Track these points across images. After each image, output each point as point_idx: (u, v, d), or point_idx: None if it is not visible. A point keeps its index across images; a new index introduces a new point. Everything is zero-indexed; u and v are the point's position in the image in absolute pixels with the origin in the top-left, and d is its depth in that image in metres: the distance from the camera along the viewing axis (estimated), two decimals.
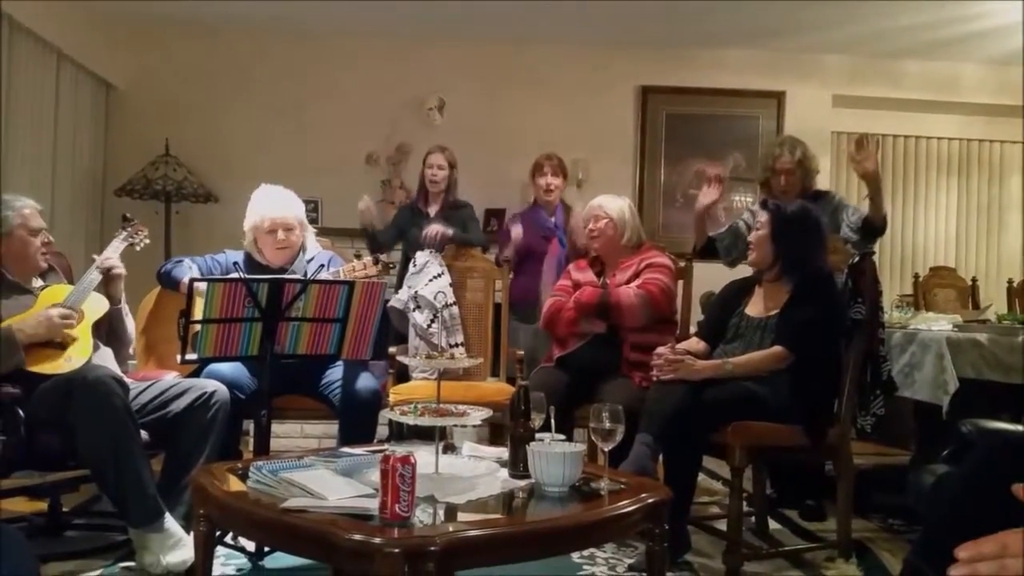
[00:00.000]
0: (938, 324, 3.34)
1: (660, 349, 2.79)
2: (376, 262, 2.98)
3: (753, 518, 3.14)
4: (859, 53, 5.49)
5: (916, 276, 5.12)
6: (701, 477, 3.16)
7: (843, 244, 3.26)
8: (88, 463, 2.51)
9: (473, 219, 4.26)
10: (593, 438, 2.02)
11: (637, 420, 2.56)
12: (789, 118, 5.51)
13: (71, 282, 2.94)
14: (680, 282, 3.33)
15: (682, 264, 3.36)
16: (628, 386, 2.93)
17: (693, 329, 3.29)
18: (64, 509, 3.04)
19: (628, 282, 3.14)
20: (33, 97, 4.19)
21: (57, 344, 2.64)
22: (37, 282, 2.81)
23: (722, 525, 2.81)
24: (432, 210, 4.16)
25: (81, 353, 2.67)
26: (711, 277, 3.68)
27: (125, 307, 2.97)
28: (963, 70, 5.62)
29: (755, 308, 2.91)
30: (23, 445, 2.45)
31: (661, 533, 1.91)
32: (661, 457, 2.64)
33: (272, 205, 3.10)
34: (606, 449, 2.01)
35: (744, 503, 2.87)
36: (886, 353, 2.96)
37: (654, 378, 2.74)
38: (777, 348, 2.71)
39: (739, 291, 3.02)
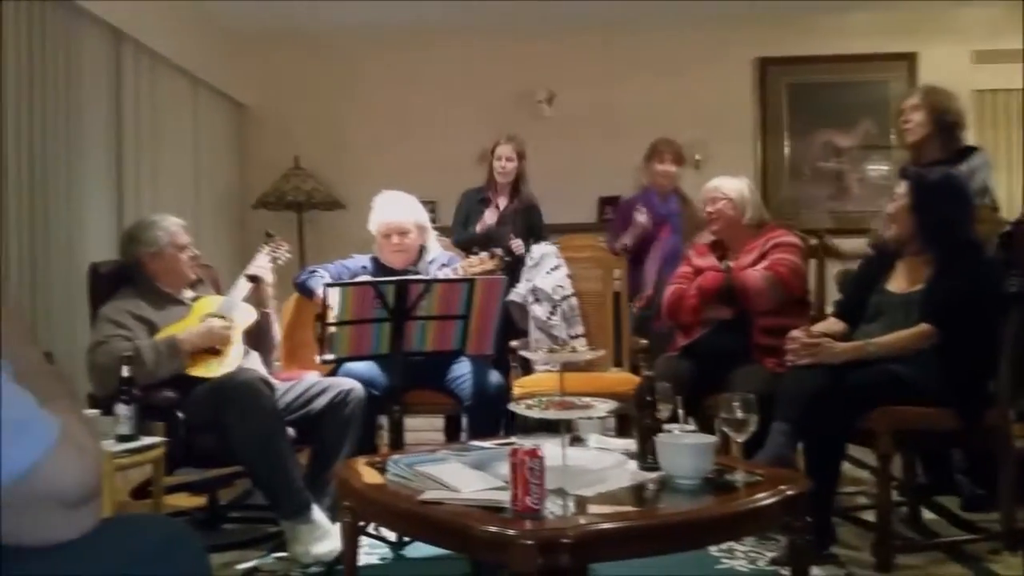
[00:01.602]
0: None
1: (795, 332, 2.68)
2: (492, 256, 3.02)
3: (905, 508, 2.98)
4: (1000, 2, 5.06)
5: None
6: (845, 466, 3.02)
7: (992, 212, 3.02)
8: (241, 460, 2.68)
9: (543, 226, 4.22)
10: (724, 429, 1.97)
11: (770, 408, 2.48)
12: (923, 80, 5.15)
13: (219, 293, 3.15)
14: (813, 260, 3.18)
15: (814, 241, 3.22)
16: (760, 373, 2.82)
17: (829, 309, 3.15)
18: (221, 503, 3.26)
19: (754, 264, 3.02)
20: (175, 121, 4.50)
21: (212, 350, 2.84)
22: (188, 293, 3.02)
23: (870, 516, 2.68)
24: (501, 202, 4.17)
25: (232, 359, 2.86)
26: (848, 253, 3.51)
27: (274, 315, 3.16)
28: None
29: (897, 284, 2.75)
30: (183, 445, 2.66)
31: (803, 526, 1.83)
32: (800, 446, 2.55)
33: (387, 210, 3.23)
34: (739, 440, 1.95)
35: (895, 492, 2.72)
36: None
37: (789, 363, 2.64)
38: (923, 326, 2.55)
39: (878, 266, 2.86)
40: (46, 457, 0.78)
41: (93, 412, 2.36)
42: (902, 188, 2.72)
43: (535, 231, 4.12)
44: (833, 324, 2.87)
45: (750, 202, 3.13)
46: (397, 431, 2.75)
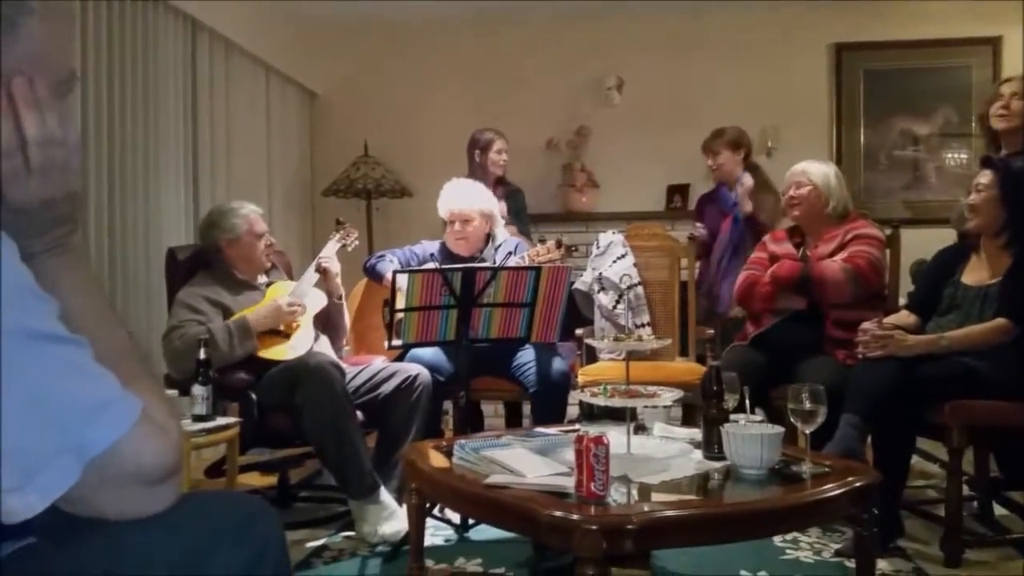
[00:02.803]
0: None
1: (866, 324, 2.62)
2: (559, 245, 3.03)
3: (975, 503, 2.90)
4: None
5: None
6: (915, 459, 2.95)
7: None
8: (312, 441, 2.76)
9: (525, 207, 4.35)
10: (792, 420, 1.95)
11: (840, 400, 2.44)
12: (1008, 65, 4.94)
13: (292, 278, 3.25)
14: (887, 251, 3.11)
15: (888, 232, 3.14)
16: (831, 364, 2.76)
17: (902, 301, 3.07)
18: (291, 483, 3.36)
19: (832, 255, 2.94)
20: (248, 110, 4.62)
21: (283, 334, 2.93)
22: (262, 279, 3.12)
23: (939, 510, 2.62)
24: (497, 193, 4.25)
25: (304, 342, 2.94)
26: (921, 244, 3.40)
27: (344, 301, 3.24)
28: None
29: (973, 276, 2.67)
30: (256, 426, 2.75)
31: (870, 518, 1.81)
32: (870, 439, 2.50)
33: (452, 198, 3.28)
34: (807, 431, 1.93)
35: (965, 487, 2.65)
36: None
37: (860, 355, 2.59)
38: (1000, 320, 2.47)
39: (954, 258, 2.78)
40: (126, 437, 0.78)
41: (171, 393, 2.45)
42: (986, 178, 2.62)
43: (520, 214, 4.24)
44: (905, 316, 2.80)
45: (835, 191, 3.03)
46: (463, 416, 2.79)
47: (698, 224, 4.13)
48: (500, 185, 4.22)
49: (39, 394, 0.75)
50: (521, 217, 4.26)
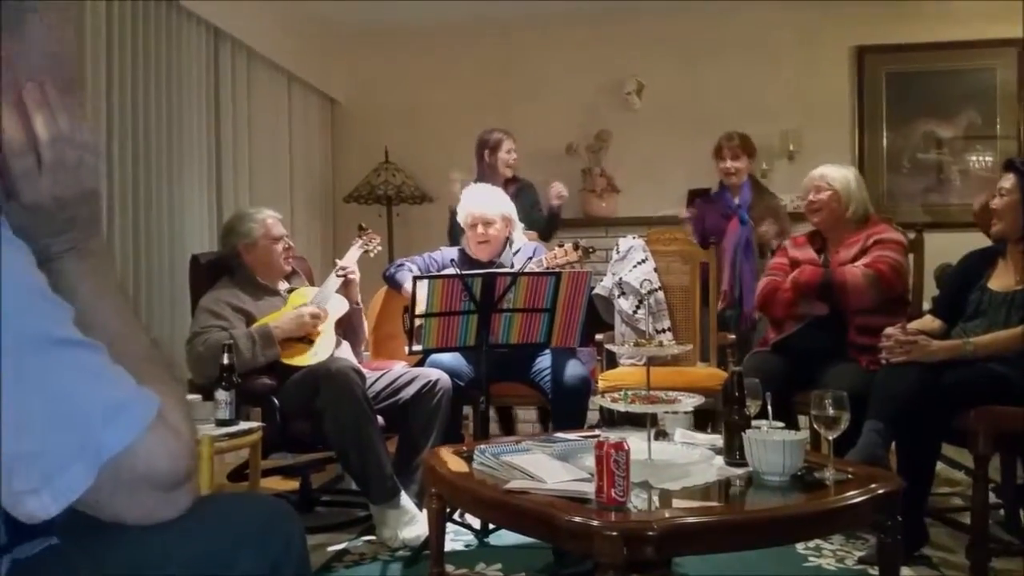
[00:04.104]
0: None
1: (889, 330, 2.59)
2: (576, 247, 3.03)
3: (1001, 511, 2.86)
4: None
5: None
6: (940, 466, 2.91)
7: None
8: (333, 446, 2.78)
9: (538, 200, 4.32)
10: (815, 426, 1.93)
11: (863, 407, 2.41)
12: None
13: (313, 284, 3.27)
14: (911, 255, 3.08)
15: (911, 236, 3.11)
16: (854, 370, 2.74)
17: (926, 306, 3.04)
18: (313, 487, 3.38)
19: (854, 260, 2.91)
20: (270, 117, 4.66)
21: (306, 340, 2.95)
22: (283, 285, 3.14)
23: (965, 518, 2.59)
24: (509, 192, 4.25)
25: (325, 348, 2.96)
26: (945, 248, 3.36)
27: (361, 306, 3.26)
28: None
29: (1000, 282, 2.63)
30: (278, 430, 2.77)
31: (894, 525, 1.79)
32: (893, 445, 2.47)
33: (473, 202, 3.27)
34: (830, 438, 1.91)
35: (991, 494, 2.61)
36: None
37: (884, 361, 2.57)
38: None
39: (980, 263, 2.74)
40: (140, 439, 0.78)
41: (195, 397, 2.48)
42: (1008, 182, 2.59)
43: (534, 207, 4.23)
44: (929, 322, 2.77)
45: (855, 195, 3.01)
46: (483, 422, 2.80)
47: (687, 211, 4.18)
48: (511, 184, 4.22)
49: (55, 398, 0.76)
50: (536, 210, 4.24)
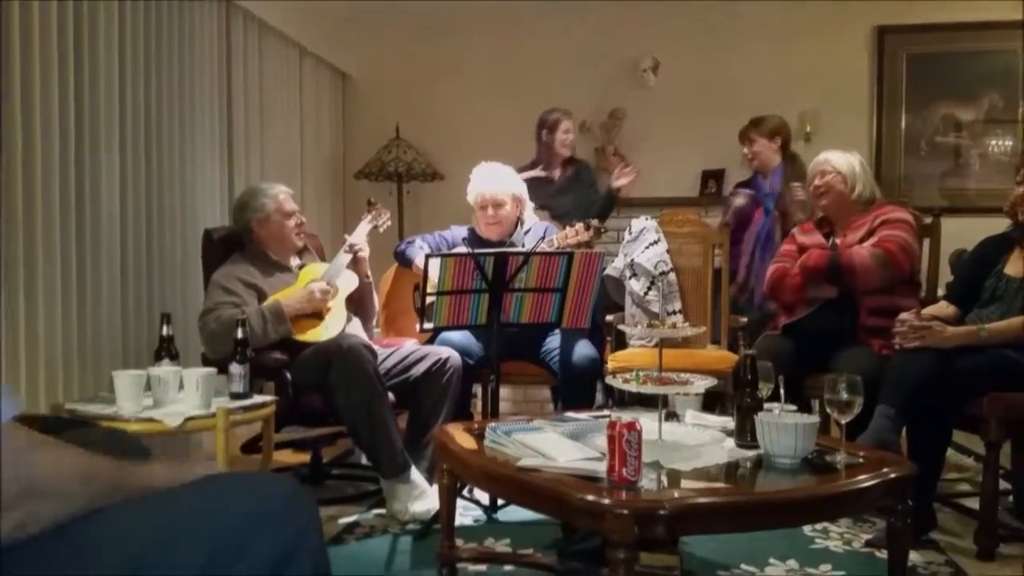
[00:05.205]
0: None
1: (904, 315, 2.59)
2: (588, 228, 3.01)
3: (1010, 497, 2.86)
4: None
5: None
6: (949, 452, 2.91)
7: None
8: (345, 420, 2.80)
9: (595, 182, 4.31)
10: (828, 410, 1.93)
11: (875, 391, 2.41)
12: None
13: (324, 260, 3.27)
14: (927, 239, 3.06)
15: (928, 220, 3.08)
16: (866, 354, 2.73)
17: (941, 291, 3.02)
18: (324, 460, 3.41)
19: (861, 242, 2.91)
20: (282, 91, 4.64)
21: (317, 316, 2.96)
22: (295, 260, 3.15)
23: (973, 503, 2.59)
24: (557, 174, 4.21)
25: (336, 324, 2.97)
26: (962, 233, 3.33)
27: (371, 280, 3.26)
28: None
29: (1016, 267, 2.62)
30: (291, 404, 2.79)
31: (904, 510, 1.80)
32: (904, 430, 2.47)
33: (484, 182, 3.25)
34: (842, 422, 1.91)
35: (1001, 480, 2.61)
36: None
37: (897, 346, 2.56)
38: None
39: (997, 248, 2.72)
40: None
41: (209, 370, 2.50)
42: None
43: (592, 187, 4.23)
44: (944, 307, 2.76)
45: (860, 177, 3.02)
46: (492, 400, 2.80)
47: (734, 195, 4.09)
48: (569, 164, 4.21)
49: None
50: (593, 191, 4.23)
